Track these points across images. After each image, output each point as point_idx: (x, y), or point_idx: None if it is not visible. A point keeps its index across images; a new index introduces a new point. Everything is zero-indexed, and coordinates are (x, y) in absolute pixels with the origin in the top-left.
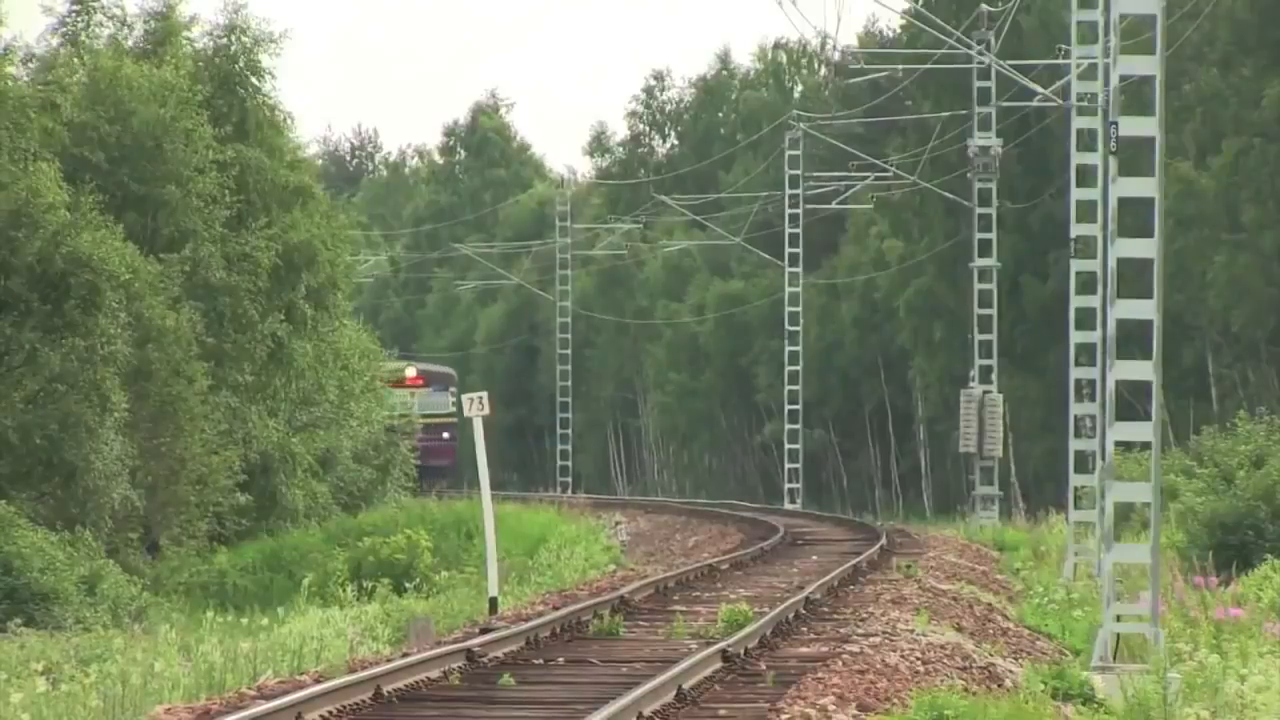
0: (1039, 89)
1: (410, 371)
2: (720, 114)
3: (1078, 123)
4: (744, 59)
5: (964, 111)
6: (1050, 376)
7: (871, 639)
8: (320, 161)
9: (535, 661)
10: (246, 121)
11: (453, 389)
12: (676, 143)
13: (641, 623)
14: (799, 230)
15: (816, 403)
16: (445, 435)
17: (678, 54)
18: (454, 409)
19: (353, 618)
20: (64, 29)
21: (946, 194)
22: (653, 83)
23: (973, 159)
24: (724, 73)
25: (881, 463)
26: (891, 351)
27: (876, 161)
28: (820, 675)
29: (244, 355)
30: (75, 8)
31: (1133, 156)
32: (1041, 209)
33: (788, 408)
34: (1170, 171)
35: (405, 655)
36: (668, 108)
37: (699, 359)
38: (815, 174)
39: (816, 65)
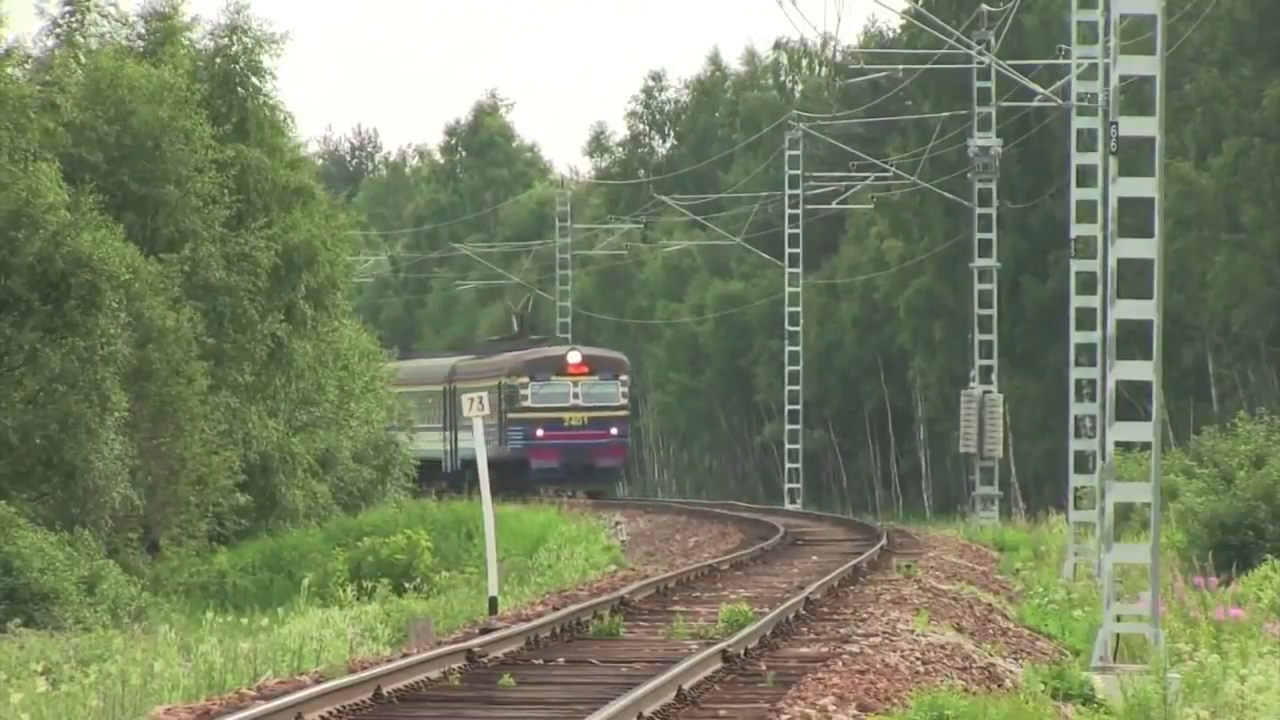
0: (1039, 89)
1: (574, 357)
2: (716, 115)
3: (1078, 123)
4: (741, 59)
5: (964, 111)
6: (1050, 376)
7: (871, 639)
8: (320, 161)
9: (535, 662)
10: (246, 121)
11: (624, 377)
12: (675, 143)
13: (641, 623)
14: (799, 230)
15: (816, 403)
16: (614, 431)
17: (679, 54)
18: (624, 401)
19: (353, 618)
20: (58, 29)
21: (946, 194)
22: (651, 83)
23: (973, 159)
24: (717, 73)
25: (881, 463)
26: (891, 351)
27: (876, 161)
28: (820, 675)
29: (244, 355)
30: (69, 8)
31: (1133, 156)
32: (1041, 209)
33: (788, 408)
34: (1170, 171)
35: (405, 655)
36: (666, 108)
37: (699, 359)
38: (815, 174)
39: (817, 66)
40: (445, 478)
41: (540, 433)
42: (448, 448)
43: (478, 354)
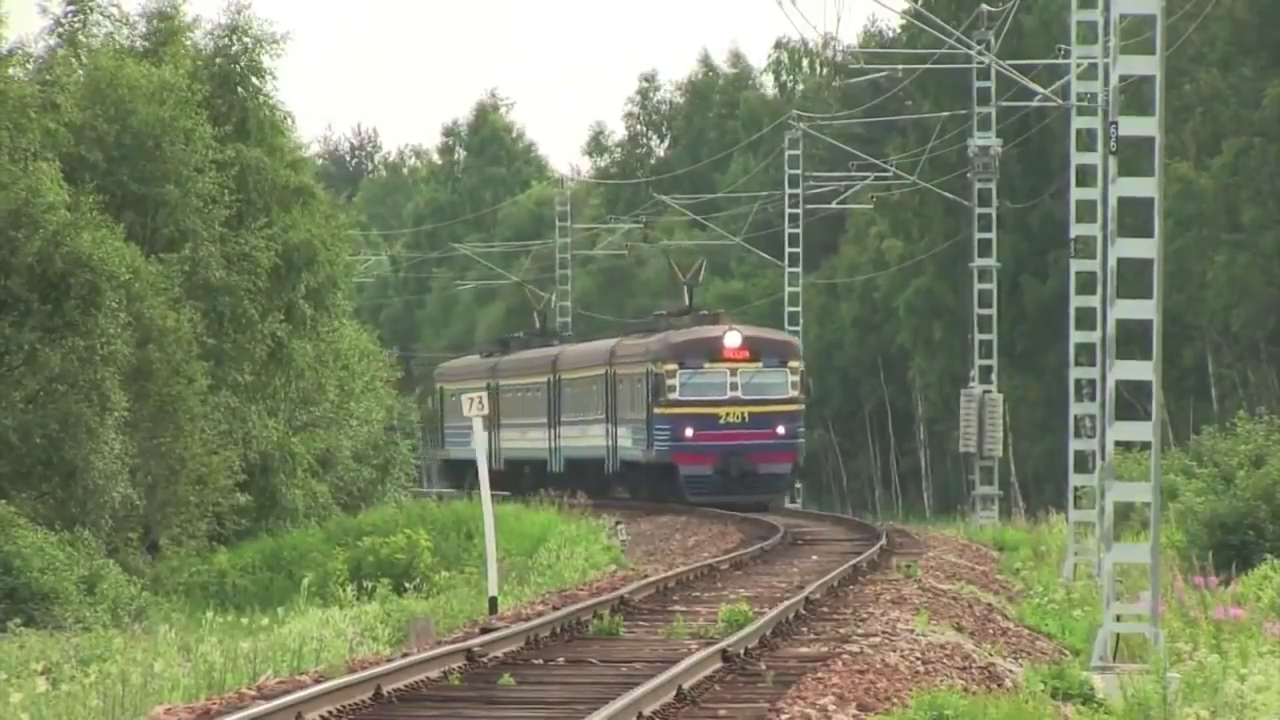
0: (1039, 89)
1: (732, 339)
2: (710, 115)
3: (1078, 123)
4: (728, 61)
5: (964, 111)
6: (1050, 376)
7: (871, 639)
8: (320, 161)
9: (535, 661)
10: (247, 121)
11: (794, 363)
12: (671, 145)
13: (641, 623)
14: (799, 230)
15: (816, 403)
16: (780, 430)
17: (680, 54)
18: (795, 393)
19: (353, 618)
20: (60, 29)
21: (946, 194)
22: (646, 84)
23: (972, 159)
24: (709, 74)
25: (881, 463)
26: (891, 351)
27: (876, 161)
28: (820, 675)
29: (244, 355)
30: (72, 8)
31: (1133, 156)
32: (1041, 209)
33: None
34: (1170, 171)
35: (405, 655)
36: (663, 108)
37: None
38: (815, 174)
39: (817, 66)
40: (604, 480)
41: (690, 432)
42: (609, 443)
43: (640, 333)
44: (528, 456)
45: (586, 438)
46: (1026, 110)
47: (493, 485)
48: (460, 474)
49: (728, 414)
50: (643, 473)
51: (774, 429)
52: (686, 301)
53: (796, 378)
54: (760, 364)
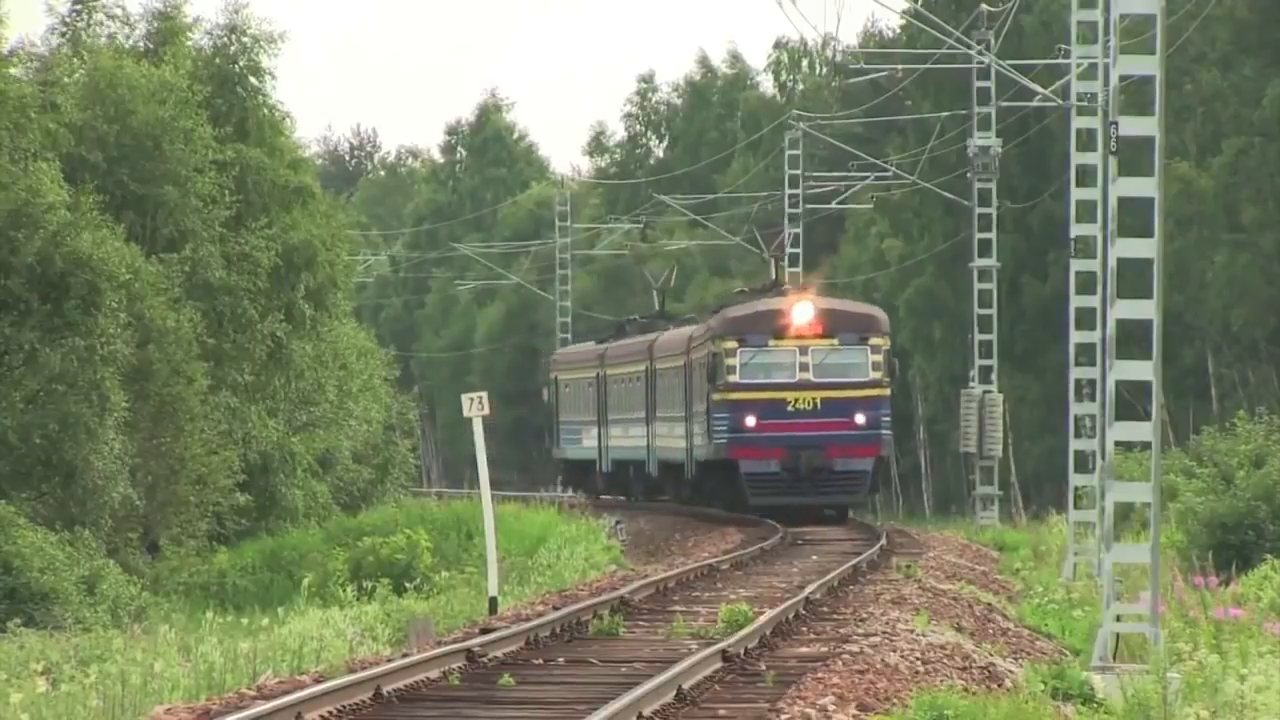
0: (1039, 89)
1: (801, 312)
2: (710, 115)
3: (1078, 123)
4: (726, 62)
5: (964, 111)
6: (1050, 376)
7: (871, 639)
8: (320, 161)
9: (535, 661)
10: (247, 121)
11: (876, 340)
12: (670, 146)
13: (641, 623)
14: (799, 230)
15: None
16: (860, 419)
17: (679, 54)
18: (878, 375)
19: (353, 618)
20: (65, 29)
21: (946, 194)
22: (644, 84)
23: (972, 159)
24: (707, 74)
25: None
26: (892, 351)
27: (876, 161)
28: (820, 675)
29: (244, 355)
30: (76, 7)
31: (1133, 156)
32: (1041, 209)
33: None
34: (1170, 171)
35: (405, 655)
36: (661, 108)
37: None
38: (815, 174)
39: (817, 66)
40: (688, 485)
41: (752, 421)
42: (687, 443)
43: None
44: (631, 456)
45: (672, 436)
46: (1026, 110)
47: (605, 490)
48: (581, 477)
49: (797, 400)
50: (707, 473)
51: (852, 417)
52: (772, 276)
53: (880, 357)
54: (836, 340)
